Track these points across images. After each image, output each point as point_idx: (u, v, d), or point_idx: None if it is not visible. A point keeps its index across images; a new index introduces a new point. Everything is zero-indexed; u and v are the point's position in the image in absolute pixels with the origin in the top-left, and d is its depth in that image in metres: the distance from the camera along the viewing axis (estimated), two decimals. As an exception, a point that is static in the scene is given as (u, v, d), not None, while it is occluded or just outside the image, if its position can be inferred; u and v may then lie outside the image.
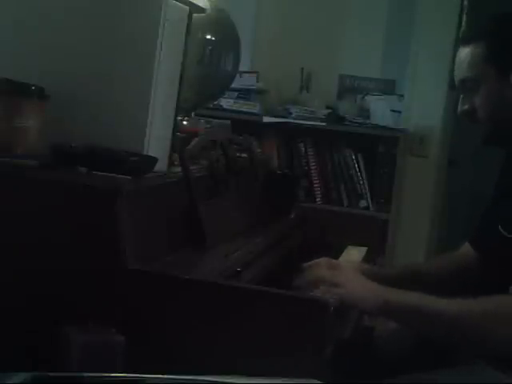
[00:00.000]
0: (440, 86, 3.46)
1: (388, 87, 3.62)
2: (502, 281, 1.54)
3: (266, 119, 3.39)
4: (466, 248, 1.81)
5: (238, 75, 2.38)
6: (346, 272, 1.51)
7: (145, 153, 1.56)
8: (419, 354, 1.71)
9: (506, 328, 1.41)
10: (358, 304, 1.47)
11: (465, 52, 1.63)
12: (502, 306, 1.43)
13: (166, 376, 1.06)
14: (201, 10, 1.77)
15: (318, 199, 3.44)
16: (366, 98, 3.57)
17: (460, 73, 1.65)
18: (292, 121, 3.41)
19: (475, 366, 1.54)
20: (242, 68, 2.43)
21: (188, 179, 1.62)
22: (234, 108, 3.41)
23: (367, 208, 3.42)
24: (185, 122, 2.05)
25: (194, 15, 1.71)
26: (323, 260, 1.61)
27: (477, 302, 1.44)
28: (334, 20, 3.63)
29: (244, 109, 3.42)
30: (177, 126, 1.73)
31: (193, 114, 2.15)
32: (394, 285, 1.62)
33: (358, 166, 3.42)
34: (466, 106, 1.66)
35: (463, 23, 3.45)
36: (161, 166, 1.59)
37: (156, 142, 1.59)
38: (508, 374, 1.49)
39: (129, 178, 1.45)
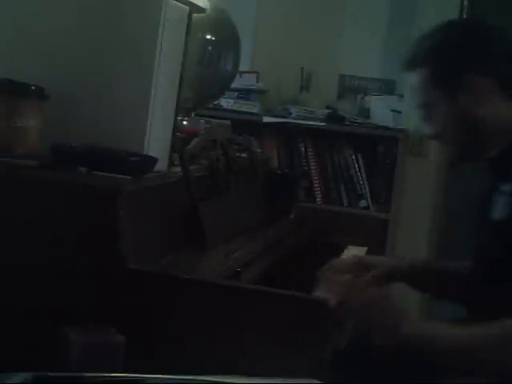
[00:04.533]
0: (440, 86, 3.46)
1: (388, 87, 3.61)
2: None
3: (266, 119, 3.39)
4: None
5: (238, 75, 2.38)
6: (375, 306, 1.47)
7: (145, 153, 1.56)
8: (418, 361, 1.71)
9: None
10: (374, 338, 1.44)
11: (412, 78, 1.63)
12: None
13: (165, 376, 1.06)
14: (201, 10, 1.77)
15: (318, 199, 3.44)
16: (365, 98, 3.57)
17: (414, 98, 1.64)
18: (292, 121, 3.41)
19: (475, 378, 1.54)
20: (242, 68, 2.43)
21: (188, 179, 1.62)
22: (234, 108, 3.40)
23: (367, 208, 3.41)
24: (185, 122, 2.05)
25: (194, 15, 1.71)
26: (347, 279, 1.59)
27: (492, 329, 1.40)
28: (334, 20, 3.62)
29: (244, 109, 3.41)
30: (177, 126, 1.73)
31: (193, 114, 2.15)
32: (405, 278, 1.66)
33: (358, 166, 3.42)
34: (431, 131, 1.65)
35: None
36: (161, 166, 1.59)
37: (156, 142, 1.59)
38: None
39: (129, 178, 1.46)
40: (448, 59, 1.59)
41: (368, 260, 1.83)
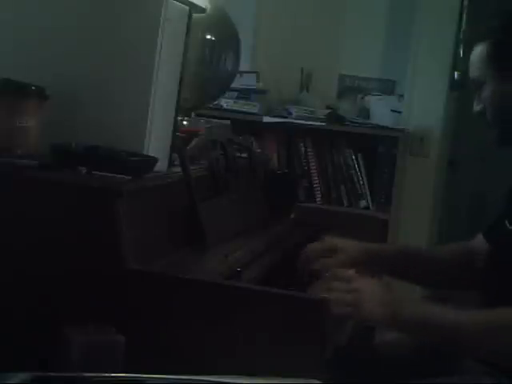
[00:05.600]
0: (440, 86, 3.46)
1: (388, 87, 3.61)
2: (509, 274, 1.55)
3: (266, 119, 3.39)
4: (477, 240, 1.81)
5: (238, 75, 2.38)
6: (363, 291, 1.48)
7: (145, 153, 1.56)
8: (419, 360, 1.72)
9: None
10: (368, 318, 1.46)
11: (473, 52, 1.65)
12: None
13: (165, 376, 1.06)
14: (201, 9, 1.77)
15: (317, 199, 3.44)
16: (365, 98, 3.57)
17: (470, 73, 1.67)
18: (292, 121, 3.41)
19: (474, 375, 1.55)
20: (242, 68, 2.43)
21: (188, 179, 1.62)
22: (234, 108, 3.40)
23: (367, 208, 3.41)
24: (185, 122, 2.05)
25: (194, 15, 1.71)
26: (338, 271, 1.59)
27: (490, 314, 1.44)
28: (334, 20, 3.62)
29: (244, 109, 3.41)
30: (177, 126, 1.73)
31: (193, 114, 2.15)
32: (389, 264, 1.68)
33: (358, 166, 3.42)
34: (478, 107, 1.67)
35: (463, 23, 3.45)
36: (161, 166, 1.59)
37: (156, 142, 1.59)
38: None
39: (129, 178, 1.45)
40: (508, 39, 1.61)
41: (341, 244, 1.82)
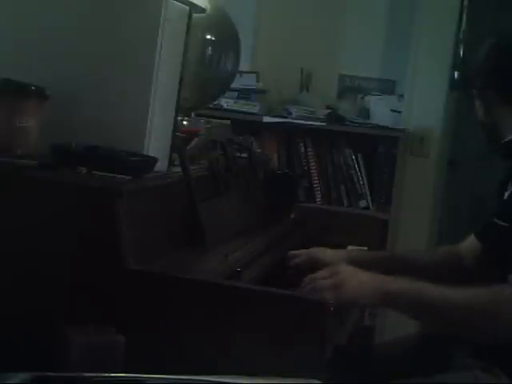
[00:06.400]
0: (440, 85, 3.46)
1: (388, 87, 3.61)
2: (501, 270, 1.56)
3: (266, 119, 3.39)
4: (467, 241, 1.83)
5: (238, 75, 2.38)
6: (343, 272, 1.51)
7: (145, 153, 1.56)
8: (418, 359, 1.72)
9: (509, 315, 1.42)
10: (358, 300, 1.49)
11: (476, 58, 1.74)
12: (504, 293, 1.44)
13: (165, 376, 1.06)
14: (201, 9, 1.77)
15: (317, 199, 3.44)
16: (365, 98, 3.57)
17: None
18: (292, 121, 3.41)
19: (470, 371, 1.55)
20: (242, 68, 2.42)
21: (188, 179, 1.62)
22: (234, 108, 3.40)
23: (367, 208, 3.41)
24: (185, 122, 2.05)
25: (194, 15, 1.71)
26: (321, 271, 1.60)
27: (480, 290, 1.45)
28: (334, 20, 3.62)
29: (244, 109, 3.41)
30: (177, 126, 1.73)
31: (193, 114, 2.15)
32: (376, 269, 1.67)
33: (358, 166, 3.41)
34: (478, 115, 1.75)
35: (463, 23, 3.45)
36: (161, 166, 1.59)
37: (156, 142, 1.59)
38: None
39: (129, 178, 1.45)
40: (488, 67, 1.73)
41: (322, 255, 1.84)
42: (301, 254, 1.85)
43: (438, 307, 1.45)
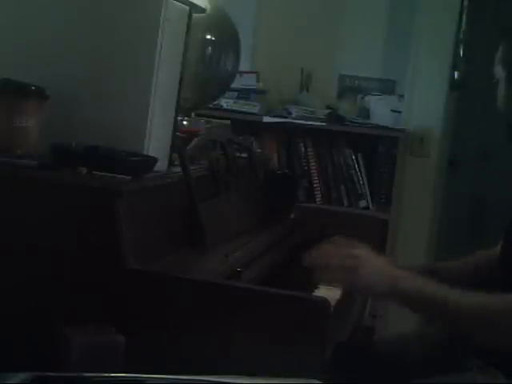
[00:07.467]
0: (440, 85, 3.46)
1: (388, 87, 3.61)
2: None
3: (266, 119, 3.39)
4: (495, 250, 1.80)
5: (238, 75, 2.38)
6: (359, 256, 1.48)
7: (145, 153, 1.56)
8: (419, 359, 1.72)
9: None
10: (370, 288, 1.46)
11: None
12: None
13: (165, 376, 1.06)
14: (201, 9, 1.77)
15: (317, 199, 3.44)
16: (365, 98, 3.57)
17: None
18: (292, 121, 3.41)
19: (470, 372, 1.55)
20: (242, 68, 2.42)
21: (188, 179, 1.62)
22: (234, 108, 3.40)
23: (367, 208, 3.41)
24: (185, 122, 2.05)
25: (194, 15, 1.71)
26: (340, 239, 1.58)
27: (495, 296, 1.43)
28: (334, 20, 3.62)
29: (244, 109, 3.41)
30: (177, 126, 1.73)
31: (193, 114, 2.15)
32: None
33: (358, 166, 3.42)
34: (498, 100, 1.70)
35: (463, 23, 3.45)
36: (161, 166, 1.59)
37: (156, 142, 1.59)
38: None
39: (129, 178, 1.45)
40: None
41: None
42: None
43: (452, 312, 1.42)
